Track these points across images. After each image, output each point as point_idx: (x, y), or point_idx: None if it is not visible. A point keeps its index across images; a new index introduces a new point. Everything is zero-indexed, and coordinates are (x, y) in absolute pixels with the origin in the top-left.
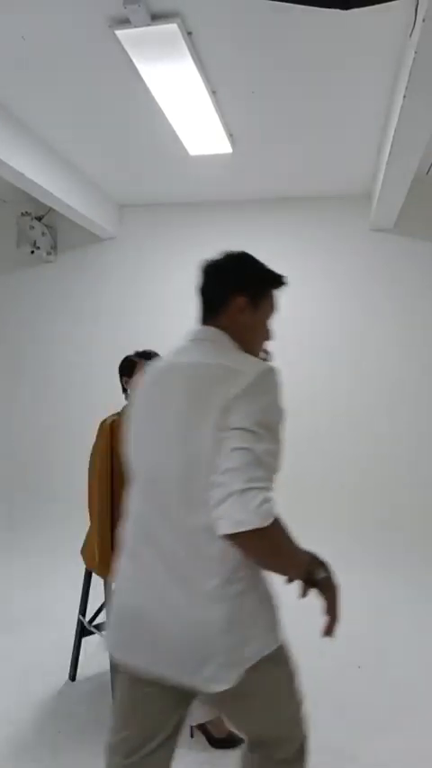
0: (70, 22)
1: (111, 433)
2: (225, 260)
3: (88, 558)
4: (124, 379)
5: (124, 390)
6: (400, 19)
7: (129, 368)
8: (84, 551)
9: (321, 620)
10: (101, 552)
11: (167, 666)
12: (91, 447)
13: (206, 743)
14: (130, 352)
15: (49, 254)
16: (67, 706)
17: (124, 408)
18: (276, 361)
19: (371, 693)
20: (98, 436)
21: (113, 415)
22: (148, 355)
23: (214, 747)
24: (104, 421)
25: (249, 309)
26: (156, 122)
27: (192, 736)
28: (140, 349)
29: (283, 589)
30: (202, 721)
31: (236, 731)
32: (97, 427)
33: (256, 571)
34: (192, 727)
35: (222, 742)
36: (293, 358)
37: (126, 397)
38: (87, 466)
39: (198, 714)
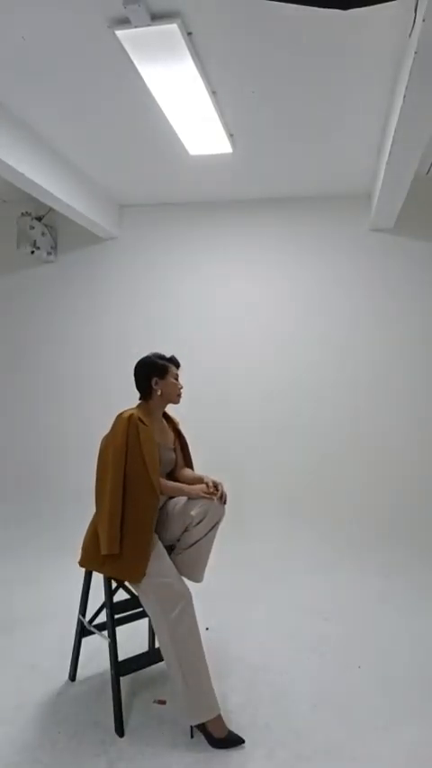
0: (70, 22)
1: (128, 425)
2: None
3: (84, 557)
4: (155, 379)
5: (148, 390)
6: (400, 19)
7: (164, 370)
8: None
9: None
10: (109, 535)
11: None
12: (96, 446)
13: (206, 743)
14: (130, 351)
15: (49, 254)
16: (67, 706)
17: (140, 406)
18: (276, 361)
19: (371, 693)
20: (115, 427)
21: (131, 409)
22: (177, 363)
23: (214, 747)
24: (122, 413)
25: None
26: (156, 122)
27: (192, 736)
28: (137, 349)
29: (281, 593)
30: (202, 721)
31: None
32: (112, 420)
33: None
34: (192, 727)
35: (222, 742)
36: (293, 358)
37: (145, 397)
38: (87, 465)
39: (197, 713)
